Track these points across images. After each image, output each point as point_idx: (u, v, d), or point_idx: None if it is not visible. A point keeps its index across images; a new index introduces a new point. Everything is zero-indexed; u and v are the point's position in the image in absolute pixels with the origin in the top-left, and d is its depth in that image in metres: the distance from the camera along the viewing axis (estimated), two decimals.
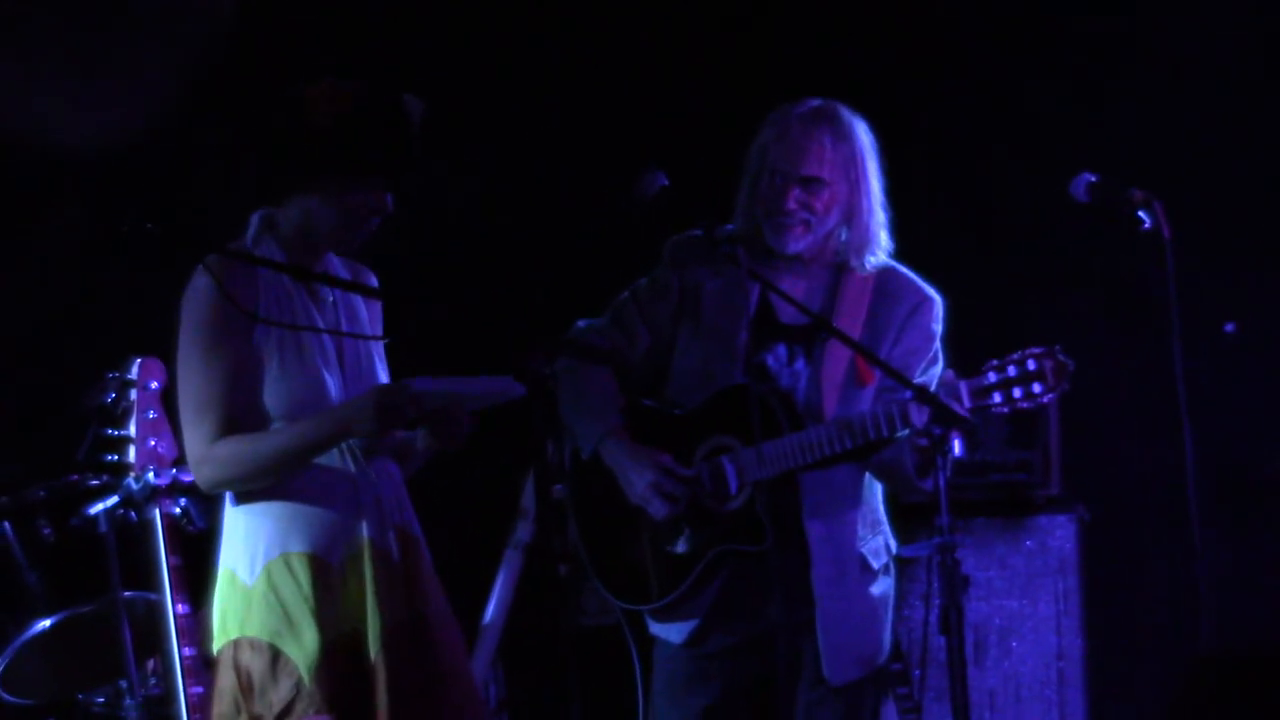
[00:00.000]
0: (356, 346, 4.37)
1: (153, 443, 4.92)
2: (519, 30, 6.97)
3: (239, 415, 4.23)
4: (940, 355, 4.91)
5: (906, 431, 4.59)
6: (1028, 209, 6.77)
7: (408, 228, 4.55)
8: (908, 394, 4.56)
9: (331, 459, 4.30)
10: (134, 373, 4.94)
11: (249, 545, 4.28)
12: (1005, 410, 4.54)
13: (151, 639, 5.14)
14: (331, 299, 4.39)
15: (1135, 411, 6.64)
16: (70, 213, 6.38)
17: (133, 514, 4.94)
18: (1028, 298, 6.60)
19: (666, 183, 4.73)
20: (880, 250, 4.93)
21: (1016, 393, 4.52)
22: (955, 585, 4.38)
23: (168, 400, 4.77)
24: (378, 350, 4.44)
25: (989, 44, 6.96)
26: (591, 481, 4.99)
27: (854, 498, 4.89)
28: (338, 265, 4.44)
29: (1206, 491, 4.86)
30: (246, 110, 4.41)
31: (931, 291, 4.95)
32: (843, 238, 4.94)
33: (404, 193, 4.30)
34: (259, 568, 4.25)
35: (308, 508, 4.26)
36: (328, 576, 4.25)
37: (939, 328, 4.92)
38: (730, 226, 4.92)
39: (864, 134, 4.91)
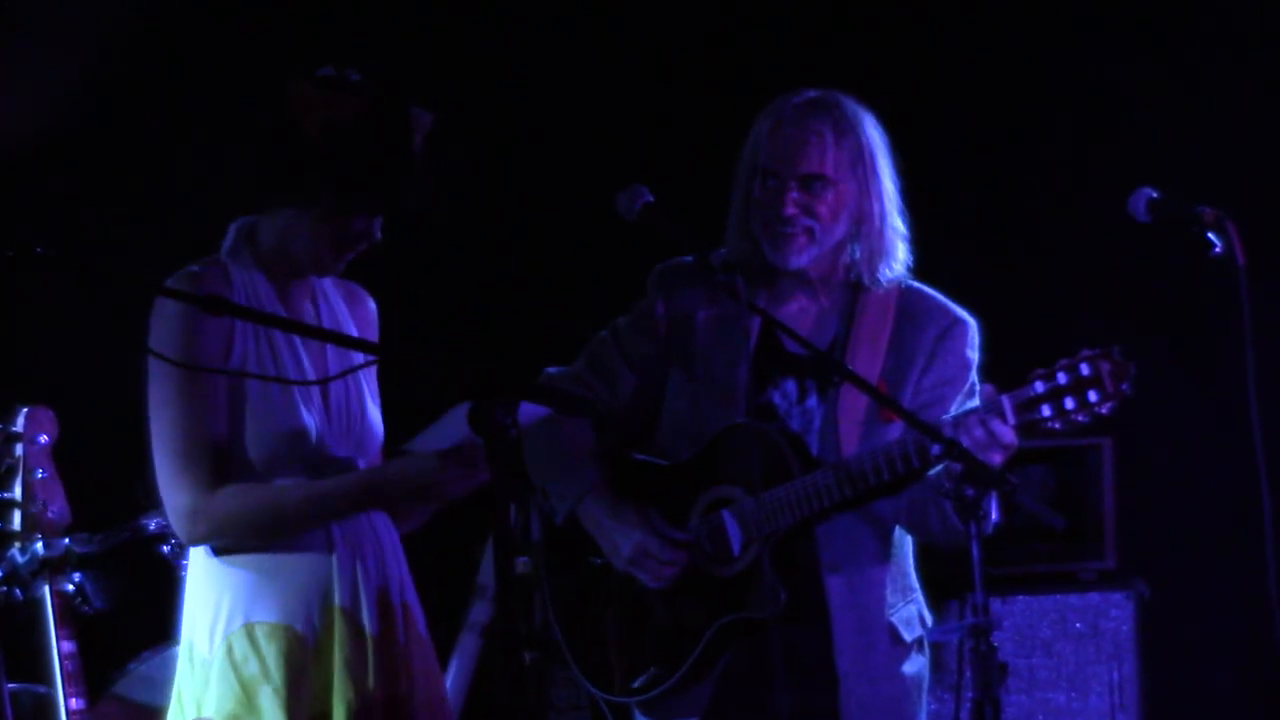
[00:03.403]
0: (345, 380, 4.18)
1: (42, 506, 4.72)
2: (486, 39, 6.90)
3: (233, 459, 4.07)
4: (978, 388, 4.66)
5: (940, 468, 4.35)
6: (1080, 230, 6.66)
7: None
8: (941, 422, 4.41)
9: None
10: (19, 424, 4.74)
11: (208, 611, 4.11)
12: (1057, 426, 4.34)
13: None
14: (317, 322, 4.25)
15: (1204, 467, 6.51)
16: None
17: (18, 591, 4.75)
18: (1080, 331, 6.08)
19: (651, 199, 4.51)
20: (896, 264, 4.71)
21: (1069, 403, 4.32)
22: (991, 675, 4.16)
23: (60, 456, 4.67)
24: (369, 383, 4.24)
25: (1035, 43, 6.88)
26: (567, 551, 4.78)
27: (881, 556, 4.67)
28: (329, 284, 4.27)
29: None
30: (234, 101, 4.35)
31: (964, 314, 4.74)
32: (855, 254, 4.72)
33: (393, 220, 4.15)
34: (218, 638, 4.08)
35: (277, 567, 4.09)
36: (299, 651, 4.08)
37: (975, 355, 4.71)
38: (723, 251, 4.70)
39: (872, 128, 4.70)
